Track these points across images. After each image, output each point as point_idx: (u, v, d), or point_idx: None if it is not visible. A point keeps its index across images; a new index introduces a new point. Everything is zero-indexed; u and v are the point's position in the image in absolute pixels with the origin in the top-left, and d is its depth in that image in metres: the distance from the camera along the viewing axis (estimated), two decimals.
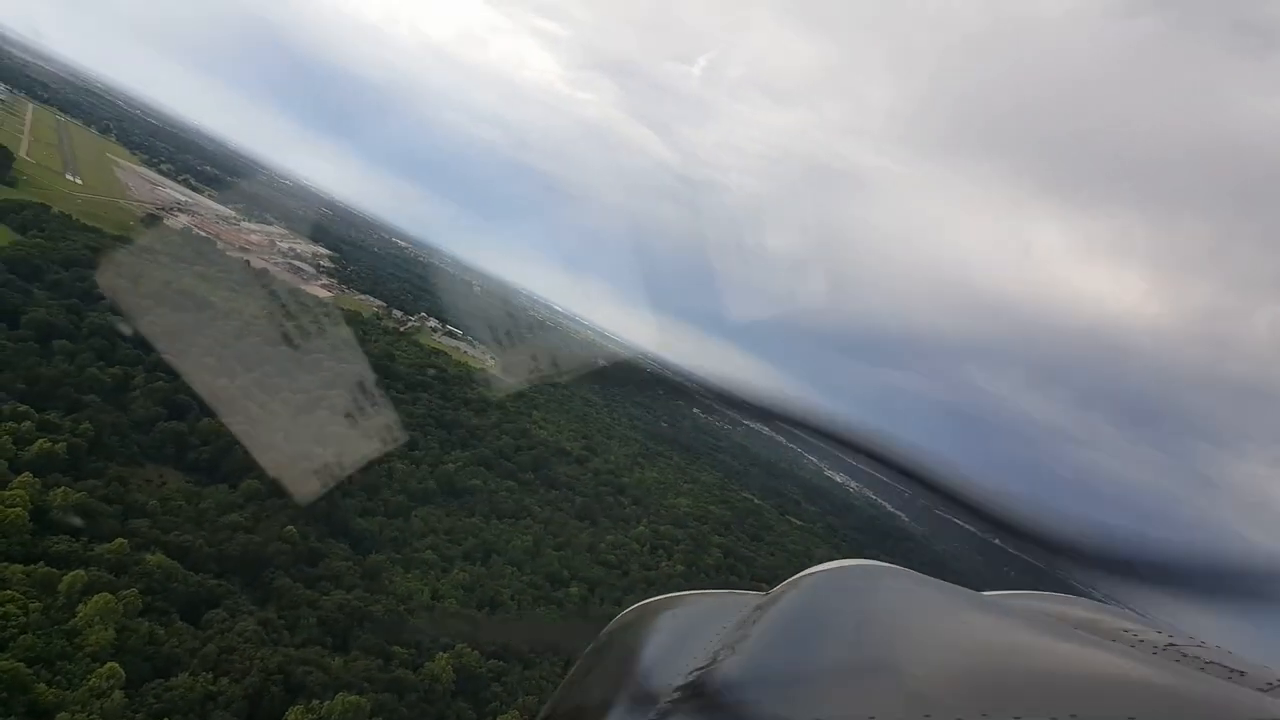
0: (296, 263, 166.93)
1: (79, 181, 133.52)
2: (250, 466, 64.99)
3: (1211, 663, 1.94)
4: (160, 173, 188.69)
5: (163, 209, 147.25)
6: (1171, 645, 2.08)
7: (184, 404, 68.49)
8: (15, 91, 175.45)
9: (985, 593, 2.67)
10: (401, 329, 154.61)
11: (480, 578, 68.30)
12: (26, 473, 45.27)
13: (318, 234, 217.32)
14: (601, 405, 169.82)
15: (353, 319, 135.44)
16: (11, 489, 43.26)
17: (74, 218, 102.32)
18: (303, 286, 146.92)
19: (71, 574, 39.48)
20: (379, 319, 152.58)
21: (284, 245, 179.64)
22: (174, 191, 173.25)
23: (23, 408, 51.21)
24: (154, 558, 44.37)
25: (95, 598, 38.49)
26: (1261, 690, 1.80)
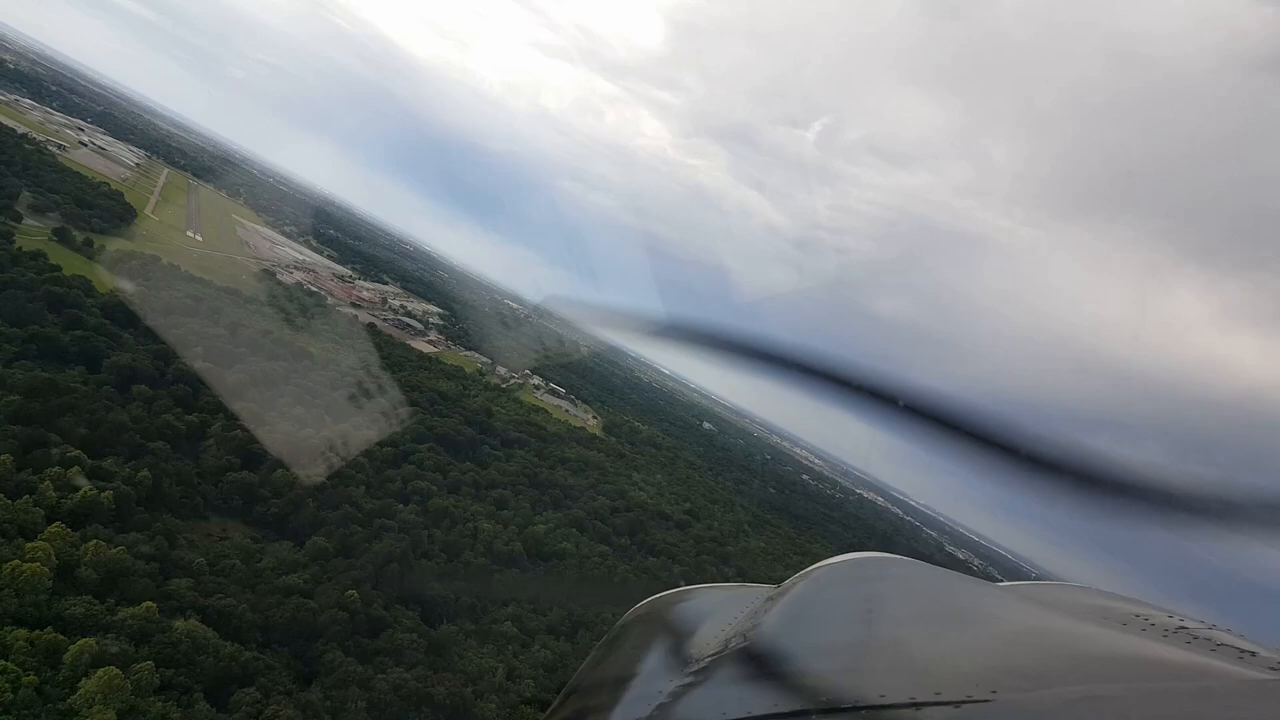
0: (406, 319, 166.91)
1: (199, 238, 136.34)
2: (320, 523, 59.65)
3: (1223, 645, 1.96)
4: (283, 234, 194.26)
5: (279, 266, 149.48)
6: (1182, 628, 2.09)
7: (258, 454, 64.17)
8: (153, 156, 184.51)
9: (998, 583, 2.60)
10: (504, 385, 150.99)
11: (564, 655, 60.17)
12: (59, 523, 40.45)
13: (430, 293, 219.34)
14: (706, 468, 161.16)
15: (455, 374, 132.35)
16: (38, 541, 38.35)
17: (182, 269, 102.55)
18: (409, 341, 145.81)
19: (80, 643, 33.73)
20: (482, 374, 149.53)
21: (395, 303, 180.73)
22: (293, 251, 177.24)
23: (74, 453, 47.04)
24: (184, 624, 38.41)
25: (100, 672, 32.48)
26: (1273, 670, 1.84)
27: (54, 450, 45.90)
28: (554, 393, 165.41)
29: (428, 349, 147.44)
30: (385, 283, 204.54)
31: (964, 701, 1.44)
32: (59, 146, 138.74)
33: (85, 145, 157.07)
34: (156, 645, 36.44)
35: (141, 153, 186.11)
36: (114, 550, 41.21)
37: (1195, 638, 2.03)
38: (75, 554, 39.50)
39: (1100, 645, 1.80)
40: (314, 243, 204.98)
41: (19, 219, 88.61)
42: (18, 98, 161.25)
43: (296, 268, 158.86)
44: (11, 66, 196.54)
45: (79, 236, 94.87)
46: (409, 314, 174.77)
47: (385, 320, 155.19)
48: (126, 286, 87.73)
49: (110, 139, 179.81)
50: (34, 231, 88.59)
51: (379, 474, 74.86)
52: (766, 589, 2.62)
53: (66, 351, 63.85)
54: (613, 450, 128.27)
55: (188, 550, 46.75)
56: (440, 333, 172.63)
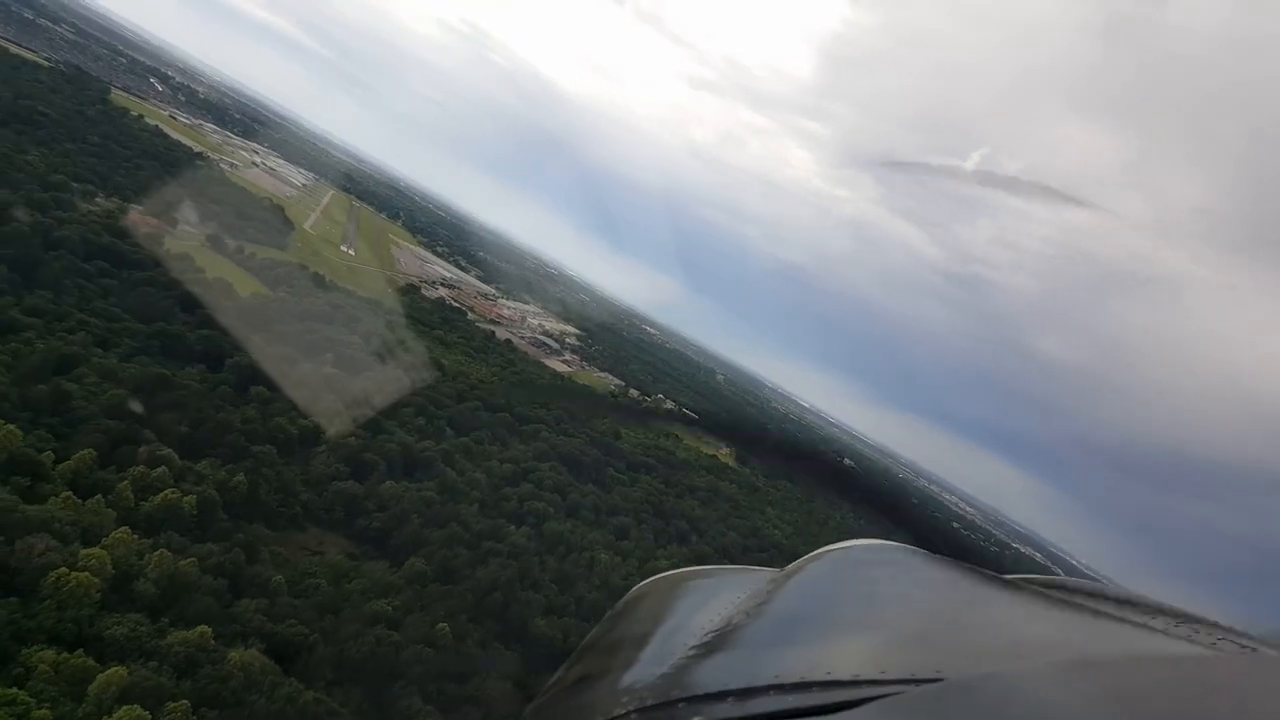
0: (543, 338, 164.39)
1: (351, 253, 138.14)
2: (422, 541, 54.16)
3: (1224, 639, 1.94)
4: (435, 253, 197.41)
5: (425, 281, 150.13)
6: (1185, 621, 2.06)
7: (369, 463, 59.76)
8: (320, 179, 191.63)
9: (1002, 575, 2.46)
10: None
11: None
12: (126, 528, 36.09)
13: (569, 314, 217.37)
14: (849, 511, 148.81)
15: (575, 386, 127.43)
16: (97, 548, 33.95)
17: (326, 278, 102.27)
18: (544, 360, 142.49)
19: (109, 672, 28.52)
20: (614, 396, 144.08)
21: (534, 322, 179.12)
22: (441, 269, 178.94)
23: (164, 451, 43.23)
24: (240, 655, 32.89)
25: (121, 711, 27.05)
26: (1244, 646, 1.87)
27: (143, 448, 42.16)
28: (685, 418, 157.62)
29: (562, 368, 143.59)
30: (526, 302, 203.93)
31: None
32: (231, 165, 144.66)
33: (257, 165, 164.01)
34: (202, 679, 30.95)
35: (310, 175, 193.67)
36: (182, 562, 36.52)
37: (1198, 629, 1.95)
38: (137, 564, 34.96)
39: (1099, 631, 1.79)
40: (463, 262, 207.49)
41: (174, 224, 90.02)
42: (202, 122, 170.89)
43: (442, 284, 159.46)
44: (202, 96, 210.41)
45: (232, 244, 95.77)
46: (546, 333, 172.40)
47: (523, 338, 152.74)
48: (266, 291, 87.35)
49: (282, 161, 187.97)
50: (188, 238, 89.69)
51: (495, 491, 69.27)
52: (770, 572, 2.54)
53: (191, 350, 61.85)
54: (746, 482, 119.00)
55: (268, 566, 41.77)
56: (575, 353, 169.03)
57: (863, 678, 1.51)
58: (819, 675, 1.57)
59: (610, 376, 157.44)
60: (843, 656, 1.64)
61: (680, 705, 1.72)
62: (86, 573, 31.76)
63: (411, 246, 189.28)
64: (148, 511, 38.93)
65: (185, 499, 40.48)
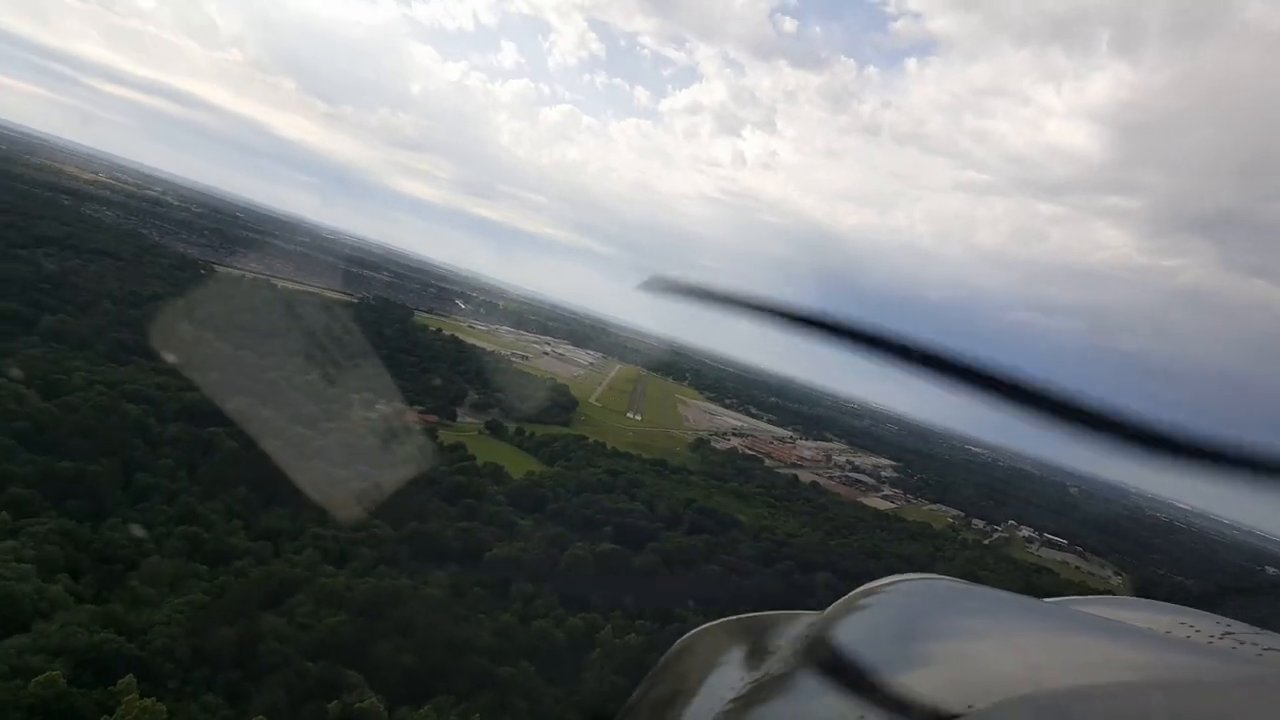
0: (854, 475, 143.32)
1: (637, 418, 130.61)
2: None
3: (1269, 649, 1.92)
4: (723, 405, 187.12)
5: (714, 434, 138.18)
6: (1228, 634, 2.06)
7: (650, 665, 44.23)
8: (608, 357, 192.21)
9: (1044, 600, 2.47)
10: (986, 541, 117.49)
11: None
12: None
13: (879, 446, 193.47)
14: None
15: (921, 533, 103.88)
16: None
17: (609, 446, 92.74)
18: (860, 499, 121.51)
19: None
20: (955, 531, 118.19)
21: (840, 459, 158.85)
22: (731, 419, 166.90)
23: (365, 702, 30.89)
24: None
25: None
26: None
27: (334, 702, 30.14)
28: (1052, 544, 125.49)
29: (883, 505, 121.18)
30: (828, 440, 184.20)
31: (982, 711, 1.44)
32: (521, 357, 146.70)
33: (548, 354, 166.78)
34: None
35: (599, 354, 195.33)
36: None
37: (1240, 643, 1.93)
38: None
39: (1142, 658, 1.73)
40: (753, 410, 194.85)
41: (454, 417, 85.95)
42: (497, 326, 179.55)
43: (733, 434, 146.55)
44: (502, 308, 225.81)
45: (510, 427, 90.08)
46: (856, 469, 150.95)
47: (831, 478, 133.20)
48: (543, 467, 78.74)
49: (572, 348, 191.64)
50: (465, 428, 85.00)
51: None
52: (812, 615, 2.45)
53: (447, 548, 52.00)
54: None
55: None
56: (895, 485, 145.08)
57: (946, 711, 1.47)
58: (894, 712, 1.55)
59: (943, 507, 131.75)
60: (876, 701, 1.61)
61: None
62: None
63: (699, 402, 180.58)
64: None
65: None
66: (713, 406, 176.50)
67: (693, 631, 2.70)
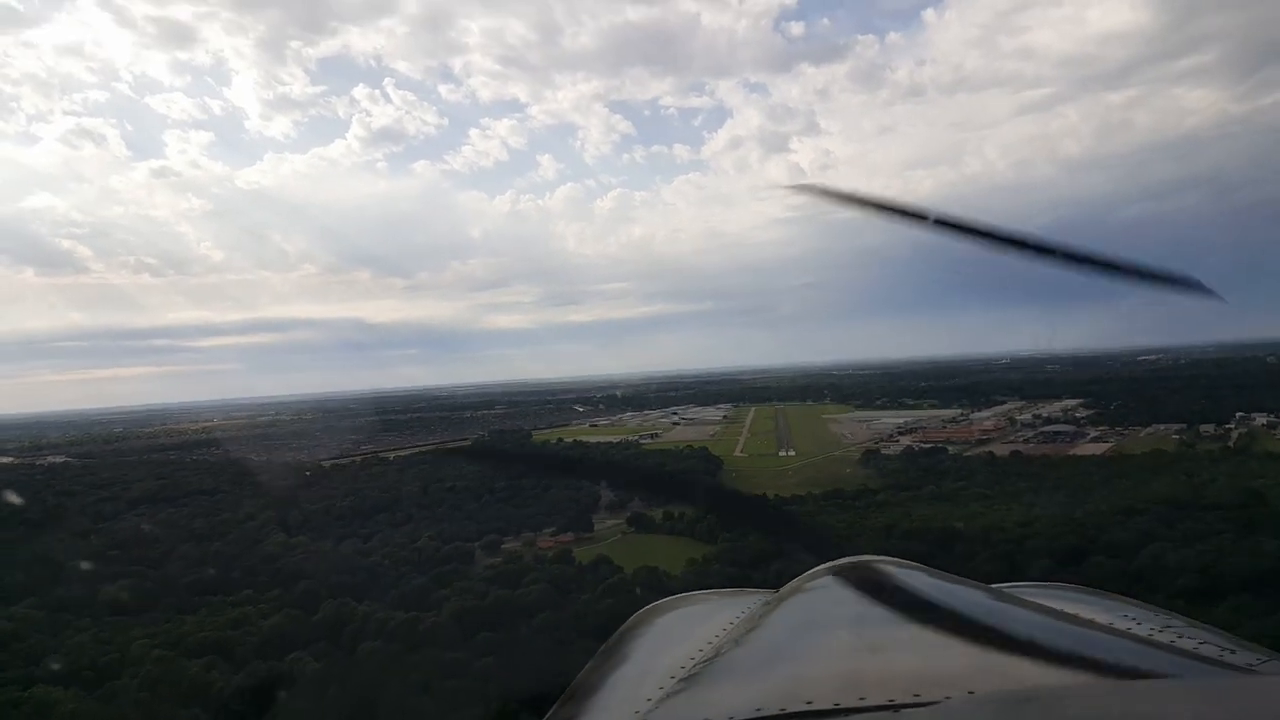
0: (1050, 428, 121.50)
1: (792, 454, 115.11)
2: None
3: (1205, 643, 2.00)
4: (875, 409, 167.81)
5: (879, 440, 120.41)
6: (1169, 628, 2.13)
7: None
8: (738, 405, 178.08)
9: (993, 585, 2.53)
10: (1230, 444, 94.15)
11: None
12: None
13: (1053, 390, 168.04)
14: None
15: (1162, 463, 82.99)
16: None
17: (771, 496, 78.06)
18: (1071, 451, 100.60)
19: None
20: (1188, 445, 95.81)
21: (1023, 417, 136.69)
22: (890, 419, 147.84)
23: None
24: None
25: None
26: (1241, 670, 1.92)
27: None
28: None
29: (1100, 449, 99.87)
30: (999, 403, 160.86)
31: (937, 702, 1.42)
32: (651, 435, 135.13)
33: (677, 423, 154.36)
34: None
35: (728, 406, 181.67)
36: None
37: (1180, 636, 2.00)
38: None
39: (1081, 643, 1.76)
40: (908, 400, 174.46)
41: (590, 527, 73.90)
42: (621, 415, 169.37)
43: (901, 433, 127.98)
44: (620, 396, 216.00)
45: (657, 515, 76.90)
46: (1048, 421, 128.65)
47: (1028, 440, 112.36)
48: (705, 549, 64.76)
49: (699, 409, 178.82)
50: (605, 534, 72.76)
51: None
52: (767, 594, 2.49)
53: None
54: None
55: None
56: (1099, 424, 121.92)
57: (842, 705, 1.46)
58: (799, 705, 1.51)
59: (1159, 427, 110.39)
60: (824, 684, 1.58)
61: None
62: None
63: (849, 415, 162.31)
64: None
65: None
66: (865, 414, 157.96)
67: (646, 608, 2.62)
